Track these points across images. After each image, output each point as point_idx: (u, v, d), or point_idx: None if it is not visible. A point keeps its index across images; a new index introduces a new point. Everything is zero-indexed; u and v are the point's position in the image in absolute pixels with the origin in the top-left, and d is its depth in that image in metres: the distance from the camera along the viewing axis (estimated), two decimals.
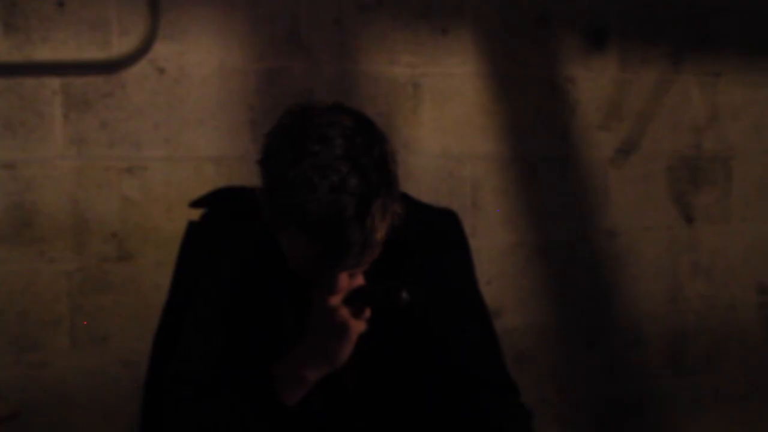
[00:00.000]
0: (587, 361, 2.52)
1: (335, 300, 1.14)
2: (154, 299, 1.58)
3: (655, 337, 2.59)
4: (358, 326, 1.15)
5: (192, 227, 1.32)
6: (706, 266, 2.65)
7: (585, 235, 2.48)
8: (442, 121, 2.30)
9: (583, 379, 2.51)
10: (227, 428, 1.16)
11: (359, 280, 1.17)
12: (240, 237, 1.26)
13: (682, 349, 2.63)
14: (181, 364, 1.22)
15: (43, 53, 1.95)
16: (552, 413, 2.46)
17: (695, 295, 2.64)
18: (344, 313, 1.14)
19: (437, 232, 1.33)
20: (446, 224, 1.37)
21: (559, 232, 2.45)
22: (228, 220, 1.29)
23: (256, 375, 1.18)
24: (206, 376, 1.20)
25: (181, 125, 2.06)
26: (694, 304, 2.64)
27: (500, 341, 1.37)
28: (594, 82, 2.46)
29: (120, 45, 2.00)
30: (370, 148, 1.09)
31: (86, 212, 1.99)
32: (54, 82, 1.96)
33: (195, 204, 1.32)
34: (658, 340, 2.60)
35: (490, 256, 2.36)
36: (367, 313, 1.16)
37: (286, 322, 1.23)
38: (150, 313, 1.47)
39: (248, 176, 1.24)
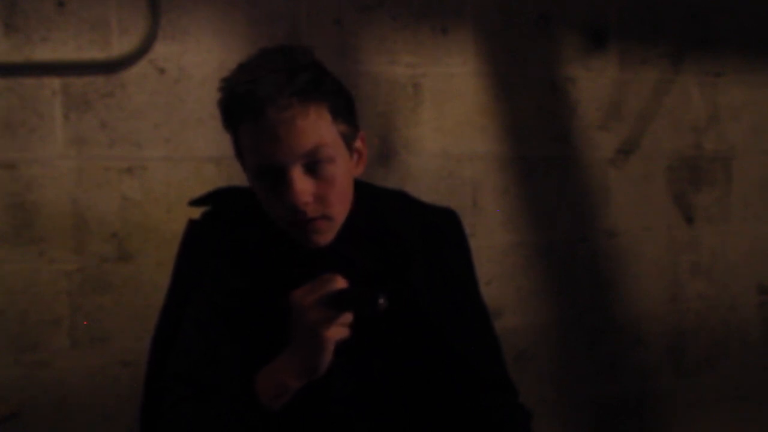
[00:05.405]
0: (587, 361, 2.52)
1: (308, 301, 1.11)
2: (154, 299, 1.57)
3: (655, 337, 2.59)
4: (335, 333, 1.11)
5: (191, 225, 1.31)
6: (706, 266, 2.65)
7: (585, 235, 2.49)
8: (442, 121, 2.30)
9: (583, 379, 2.51)
10: (225, 429, 1.15)
11: (341, 284, 1.13)
12: (239, 236, 1.26)
13: (682, 349, 2.64)
14: (180, 363, 1.21)
15: (43, 53, 1.95)
16: (552, 413, 2.46)
17: (695, 295, 2.64)
18: (312, 317, 1.10)
19: (437, 232, 1.33)
20: (446, 224, 1.37)
21: (559, 232, 2.45)
22: (227, 220, 1.28)
23: (239, 379, 1.17)
24: (204, 376, 1.20)
25: (181, 125, 2.06)
26: (694, 304, 2.64)
27: (500, 341, 1.37)
28: (594, 82, 2.46)
29: (120, 45, 2.00)
30: (308, 52, 1.27)
31: (86, 212, 1.99)
32: (54, 82, 1.96)
33: (194, 203, 1.32)
34: (658, 340, 2.60)
35: (490, 256, 2.36)
36: (347, 318, 1.12)
37: (286, 323, 1.23)
38: (150, 313, 1.46)
39: None
